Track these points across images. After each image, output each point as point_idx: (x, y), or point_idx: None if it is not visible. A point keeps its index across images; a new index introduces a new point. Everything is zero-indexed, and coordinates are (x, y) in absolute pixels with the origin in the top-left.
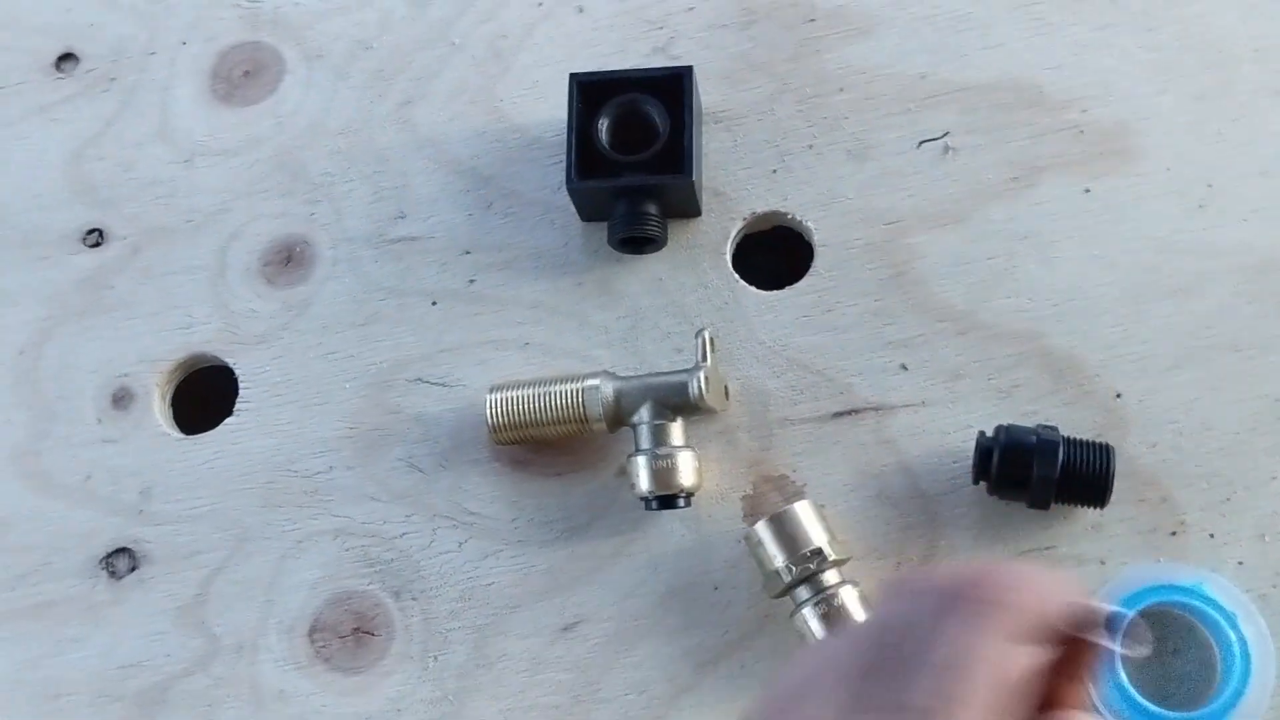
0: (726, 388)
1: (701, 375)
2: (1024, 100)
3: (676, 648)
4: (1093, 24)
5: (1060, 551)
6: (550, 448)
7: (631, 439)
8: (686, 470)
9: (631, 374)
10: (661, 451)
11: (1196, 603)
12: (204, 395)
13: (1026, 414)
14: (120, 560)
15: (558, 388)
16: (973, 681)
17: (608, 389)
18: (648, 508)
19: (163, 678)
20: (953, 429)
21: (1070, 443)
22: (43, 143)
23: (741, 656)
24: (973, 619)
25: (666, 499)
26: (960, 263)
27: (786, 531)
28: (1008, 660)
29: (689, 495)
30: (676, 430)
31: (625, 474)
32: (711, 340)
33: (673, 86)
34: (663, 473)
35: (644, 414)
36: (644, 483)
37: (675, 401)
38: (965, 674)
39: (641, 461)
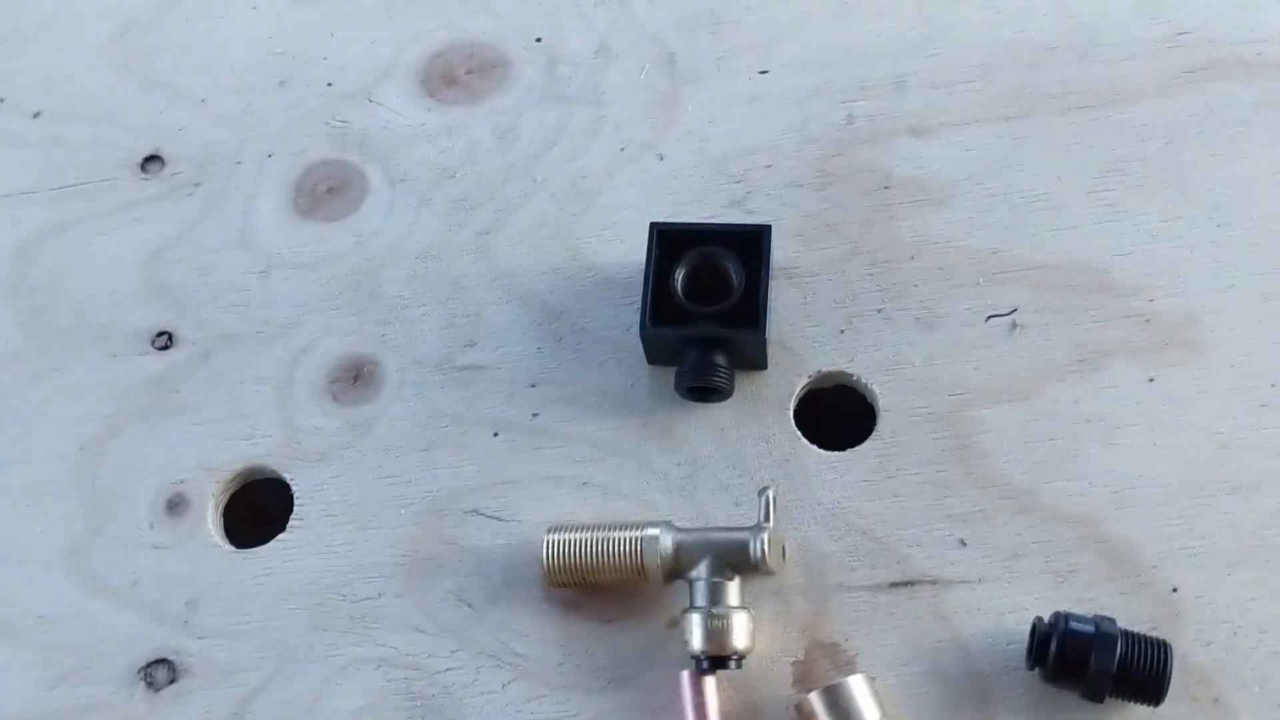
0: (784, 548)
1: (765, 537)
2: (1093, 284)
3: None
4: (1164, 214)
5: None
6: (602, 591)
7: (685, 590)
8: (741, 633)
9: (691, 525)
10: (717, 611)
11: None
12: (257, 507)
13: (1082, 600)
14: (160, 671)
15: (617, 535)
16: None
17: (667, 540)
18: (698, 667)
19: None
20: (1009, 609)
21: (1129, 637)
22: (123, 241)
23: None
24: None
25: (718, 660)
26: (1023, 440)
27: (840, 704)
28: None
29: (741, 657)
30: (733, 590)
31: (676, 625)
32: (774, 500)
33: (751, 243)
34: (717, 633)
35: (702, 569)
36: (697, 641)
37: (734, 559)
38: None
39: (696, 619)
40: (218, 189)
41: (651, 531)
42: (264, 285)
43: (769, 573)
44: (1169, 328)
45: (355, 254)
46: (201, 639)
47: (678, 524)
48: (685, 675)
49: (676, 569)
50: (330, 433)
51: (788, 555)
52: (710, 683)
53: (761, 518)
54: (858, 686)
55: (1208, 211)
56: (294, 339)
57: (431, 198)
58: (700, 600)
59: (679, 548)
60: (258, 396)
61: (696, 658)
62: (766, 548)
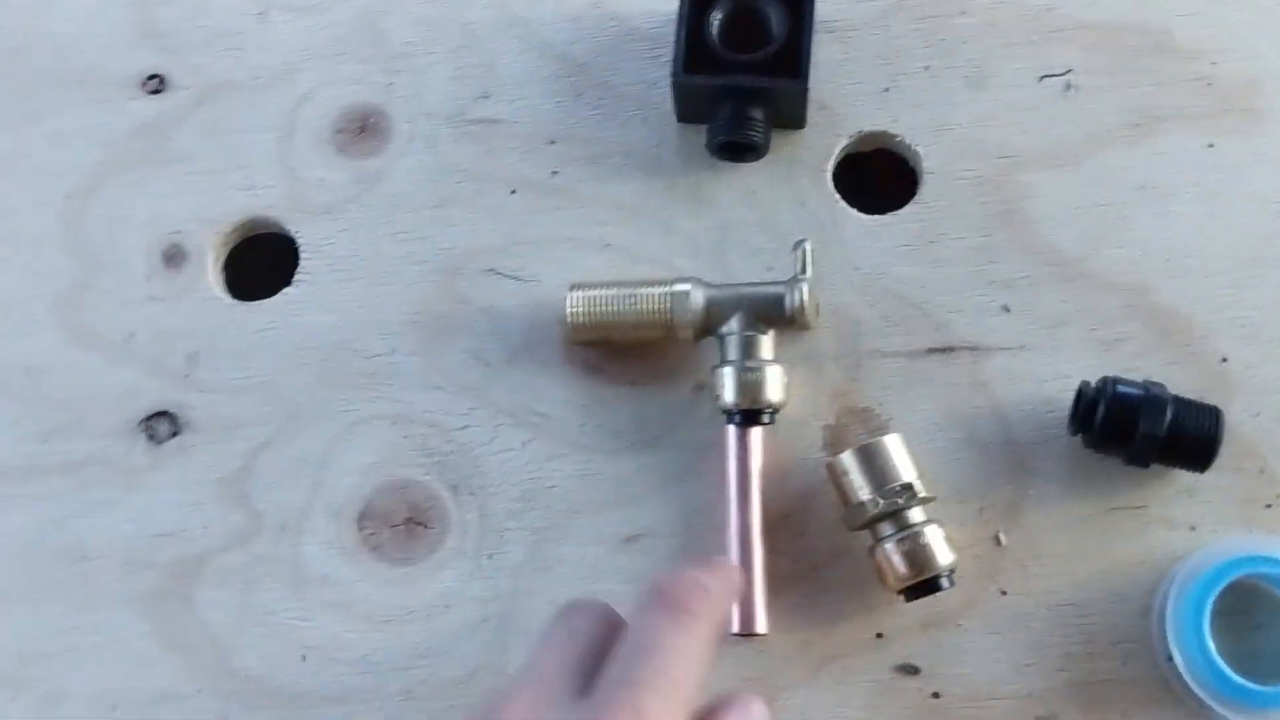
0: (818, 305)
1: (803, 288)
2: (1152, 45)
3: None
4: None
5: (1151, 513)
6: (626, 355)
7: (712, 353)
8: (775, 385)
9: (722, 282)
10: (751, 364)
11: None
12: (260, 263)
13: (1128, 369)
14: (161, 424)
15: (645, 290)
16: (658, 668)
17: (698, 295)
18: (730, 420)
19: (199, 550)
20: (1050, 377)
21: (1179, 401)
22: None
23: (809, 587)
24: (663, 617)
25: (751, 413)
26: (1072, 207)
27: (875, 464)
28: (691, 652)
29: (774, 411)
30: (767, 343)
31: (704, 388)
32: (810, 252)
33: None
34: (750, 386)
35: (734, 324)
36: (729, 394)
37: (768, 314)
38: (653, 660)
39: (728, 373)
40: None
41: (681, 286)
42: (261, 29)
43: (805, 326)
44: (1231, 93)
45: None
46: (204, 393)
47: (708, 280)
48: (730, 428)
49: (707, 325)
50: (336, 185)
51: (820, 315)
52: (757, 435)
53: (799, 269)
54: (894, 445)
55: None
56: (294, 87)
57: None
58: (732, 354)
59: (710, 302)
60: (257, 147)
61: (729, 412)
62: (805, 298)
